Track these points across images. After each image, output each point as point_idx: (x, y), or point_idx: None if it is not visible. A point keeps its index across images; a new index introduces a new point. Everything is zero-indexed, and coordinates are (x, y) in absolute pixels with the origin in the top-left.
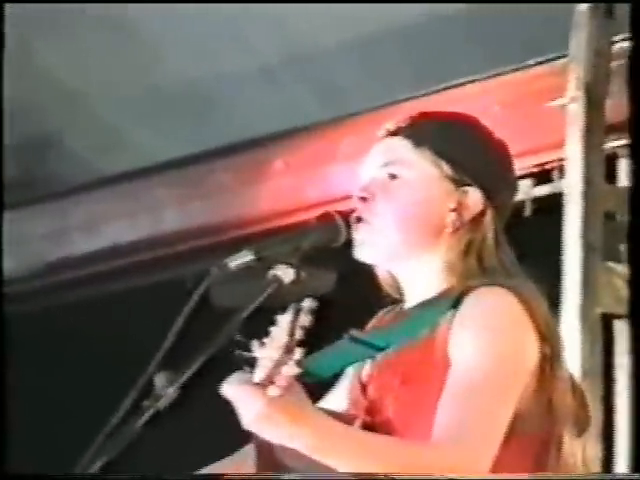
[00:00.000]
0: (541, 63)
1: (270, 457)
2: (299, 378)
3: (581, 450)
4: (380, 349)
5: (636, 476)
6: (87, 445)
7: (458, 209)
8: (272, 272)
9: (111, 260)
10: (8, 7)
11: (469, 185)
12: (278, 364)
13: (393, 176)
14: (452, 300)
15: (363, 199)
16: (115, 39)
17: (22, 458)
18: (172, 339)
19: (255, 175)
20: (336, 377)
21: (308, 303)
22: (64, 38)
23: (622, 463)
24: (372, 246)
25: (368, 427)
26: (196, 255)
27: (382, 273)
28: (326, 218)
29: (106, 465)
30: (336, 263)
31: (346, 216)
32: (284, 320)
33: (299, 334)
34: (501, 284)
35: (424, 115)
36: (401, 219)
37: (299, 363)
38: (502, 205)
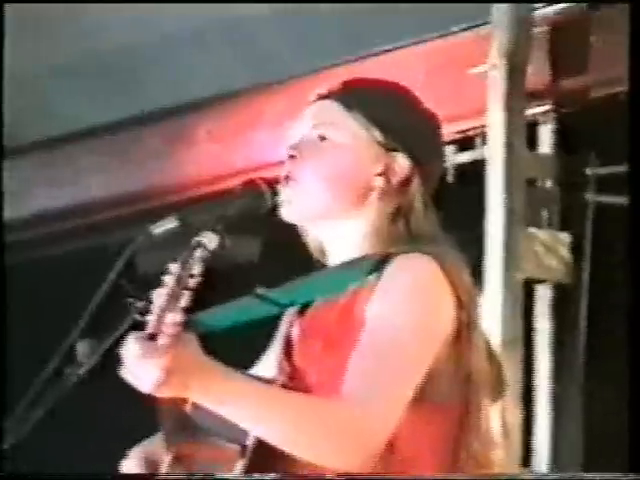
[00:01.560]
0: (464, 30)
1: (176, 419)
2: (191, 328)
3: (500, 415)
4: (283, 306)
5: (631, 476)
6: None
7: (385, 173)
8: (196, 239)
9: (36, 228)
10: None
11: (398, 151)
12: (164, 311)
13: (323, 137)
14: (373, 264)
15: (292, 157)
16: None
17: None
18: (95, 306)
19: (179, 142)
20: (231, 331)
21: (198, 252)
22: None
23: (542, 426)
24: (298, 205)
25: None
26: (121, 222)
27: (310, 237)
28: (250, 185)
29: (31, 431)
30: (261, 230)
31: (271, 183)
32: (173, 268)
33: (188, 282)
34: (424, 251)
35: (357, 81)
36: (328, 179)
37: (186, 311)
38: (430, 173)
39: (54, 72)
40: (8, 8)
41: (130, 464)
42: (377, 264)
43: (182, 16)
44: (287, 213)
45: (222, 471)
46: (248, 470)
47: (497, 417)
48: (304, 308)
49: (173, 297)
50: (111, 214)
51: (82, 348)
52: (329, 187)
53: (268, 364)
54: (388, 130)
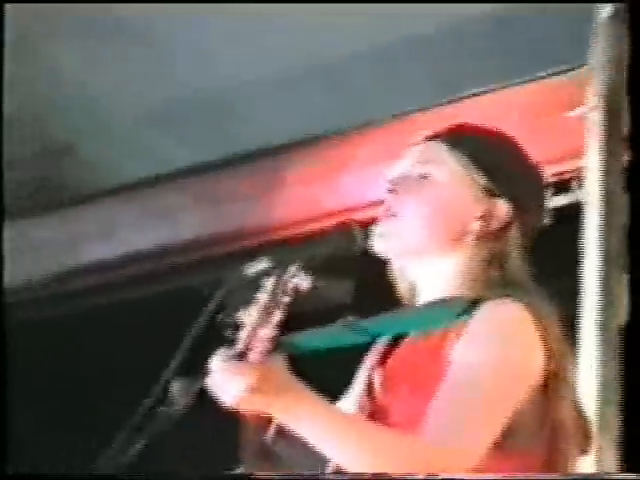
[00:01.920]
0: (560, 72)
1: (258, 448)
2: (281, 347)
3: (592, 464)
4: (372, 335)
5: (631, 476)
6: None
7: (485, 218)
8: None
9: (126, 268)
10: (26, 11)
11: (499, 196)
12: (257, 326)
13: (425, 175)
14: (465, 306)
15: (392, 192)
16: (132, 46)
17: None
18: (188, 346)
19: (270, 183)
20: (318, 354)
21: (293, 268)
22: (81, 45)
23: None
24: (393, 240)
25: None
26: (212, 263)
27: (398, 274)
28: (343, 227)
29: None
30: (354, 272)
31: (363, 225)
32: (268, 284)
33: (281, 299)
34: (516, 298)
35: (464, 125)
36: (426, 218)
37: (279, 327)
38: (530, 222)
39: (148, 114)
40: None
41: None
42: (468, 306)
43: (274, 59)
44: (381, 247)
45: None
46: None
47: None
48: (389, 348)
49: (266, 313)
50: (202, 254)
51: (177, 387)
52: (427, 224)
53: (350, 402)
54: (492, 175)
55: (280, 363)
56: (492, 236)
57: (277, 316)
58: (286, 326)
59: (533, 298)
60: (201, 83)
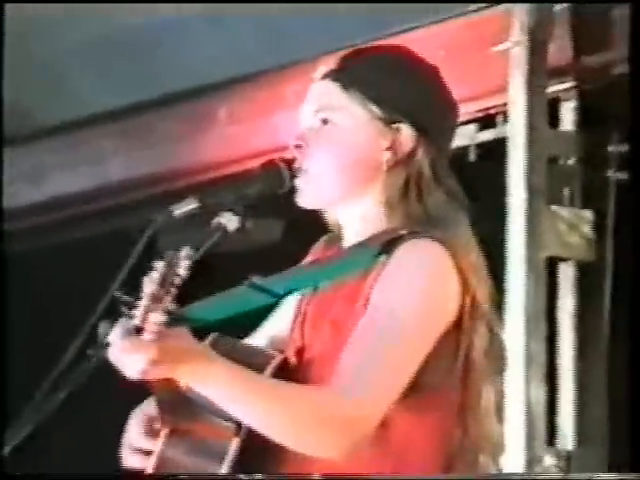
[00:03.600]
0: (485, 8)
1: (174, 399)
2: (181, 323)
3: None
4: (279, 296)
5: (631, 476)
6: None
7: (392, 147)
8: (216, 220)
9: (56, 211)
10: None
11: (400, 122)
12: (147, 311)
13: (325, 121)
14: (382, 246)
15: (298, 147)
16: None
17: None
18: (117, 288)
19: (200, 124)
20: (225, 322)
21: (185, 252)
22: None
23: (566, 404)
24: (310, 192)
25: (288, 366)
26: (142, 205)
27: (328, 214)
28: (269, 166)
29: (53, 412)
30: (282, 211)
31: (290, 163)
32: (158, 267)
33: (173, 283)
34: (433, 236)
35: (353, 54)
36: (335, 163)
37: (169, 312)
38: (438, 138)
39: (72, 54)
40: None
41: (133, 426)
42: (386, 246)
43: None
44: (302, 201)
45: (217, 447)
46: (243, 448)
47: (495, 394)
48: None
49: (157, 298)
50: (132, 197)
51: (104, 330)
52: (337, 172)
53: (274, 331)
54: (387, 104)
55: (182, 333)
56: (403, 163)
57: (167, 302)
58: (214, 270)
59: (452, 232)
60: (127, 21)
